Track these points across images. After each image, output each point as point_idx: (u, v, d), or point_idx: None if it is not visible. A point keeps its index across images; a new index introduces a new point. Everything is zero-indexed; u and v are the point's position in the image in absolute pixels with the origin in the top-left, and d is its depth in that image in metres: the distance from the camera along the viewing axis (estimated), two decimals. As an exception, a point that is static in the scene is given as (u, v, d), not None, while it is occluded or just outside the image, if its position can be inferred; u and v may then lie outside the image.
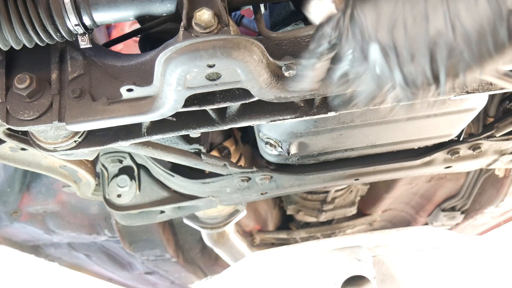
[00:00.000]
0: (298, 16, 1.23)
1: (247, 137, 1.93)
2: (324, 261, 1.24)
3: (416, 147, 1.66)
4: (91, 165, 1.65)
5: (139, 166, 1.72)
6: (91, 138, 1.19)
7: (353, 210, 2.80)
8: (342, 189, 2.60)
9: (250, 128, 1.83)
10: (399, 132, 1.49)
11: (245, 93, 1.06)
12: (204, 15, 0.86)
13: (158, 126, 1.20)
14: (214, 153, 1.76)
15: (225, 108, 1.19)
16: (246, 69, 0.89)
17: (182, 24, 0.87)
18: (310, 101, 1.18)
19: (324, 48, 0.82)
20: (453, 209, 2.83)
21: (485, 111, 1.92)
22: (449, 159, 1.68)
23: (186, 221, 2.09)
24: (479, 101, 1.38)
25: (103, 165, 1.70)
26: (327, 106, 1.19)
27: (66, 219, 2.36)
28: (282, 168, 1.69)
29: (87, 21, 0.91)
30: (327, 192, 2.56)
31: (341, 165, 1.66)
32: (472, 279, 1.20)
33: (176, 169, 1.65)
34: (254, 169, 1.62)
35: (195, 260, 2.96)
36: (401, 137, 1.53)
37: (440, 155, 1.65)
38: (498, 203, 2.56)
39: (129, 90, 0.97)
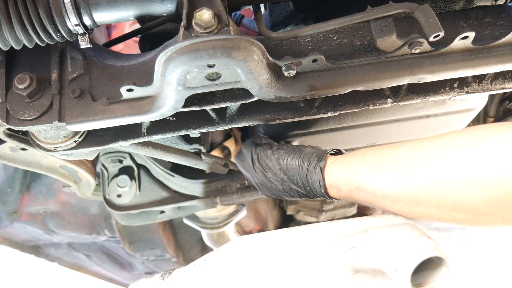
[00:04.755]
0: (298, 16, 1.23)
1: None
2: (371, 240, 0.87)
3: (416, 147, 1.66)
4: (91, 165, 1.65)
5: (139, 166, 1.72)
6: (91, 138, 1.19)
7: (353, 210, 2.79)
8: (342, 189, 2.59)
9: (250, 128, 1.83)
10: (399, 132, 1.49)
11: (245, 93, 1.06)
12: (204, 15, 0.86)
13: (158, 126, 1.20)
14: (215, 153, 1.76)
15: (225, 108, 1.19)
16: (246, 69, 0.89)
17: (182, 24, 0.87)
18: (310, 101, 1.18)
19: None
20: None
21: (485, 111, 1.92)
22: (449, 159, 1.67)
23: (186, 221, 2.08)
24: (479, 101, 1.38)
25: (103, 165, 1.70)
26: (327, 106, 1.19)
27: (66, 219, 2.36)
28: (282, 168, 1.68)
29: (87, 21, 0.91)
30: (327, 192, 2.56)
31: (341, 165, 1.66)
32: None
33: (176, 169, 1.65)
34: (254, 169, 1.62)
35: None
36: (401, 137, 1.53)
37: (440, 155, 1.64)
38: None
39: (129, 90, 0.97)
